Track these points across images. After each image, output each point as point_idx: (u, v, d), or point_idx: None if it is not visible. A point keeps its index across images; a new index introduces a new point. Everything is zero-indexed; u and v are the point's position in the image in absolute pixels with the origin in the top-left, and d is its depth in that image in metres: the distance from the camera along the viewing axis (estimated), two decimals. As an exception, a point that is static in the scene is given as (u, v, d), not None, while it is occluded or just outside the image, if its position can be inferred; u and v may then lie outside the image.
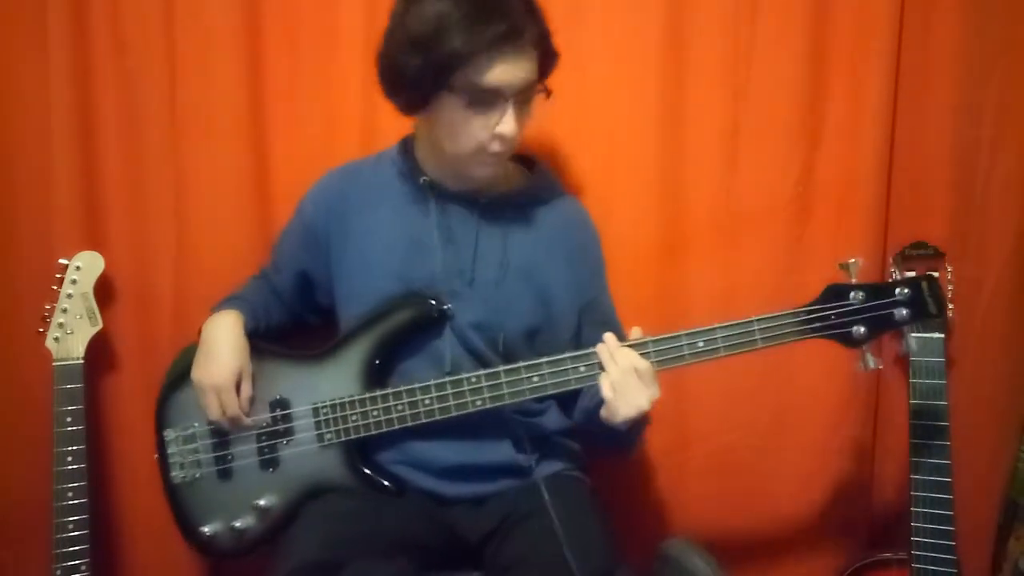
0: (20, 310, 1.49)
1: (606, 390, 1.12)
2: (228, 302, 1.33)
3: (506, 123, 1.15)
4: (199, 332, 1.29)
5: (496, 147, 1.18)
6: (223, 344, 1.25)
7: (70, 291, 1.41)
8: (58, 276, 1.41)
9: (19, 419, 1.52)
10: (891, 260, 1.45)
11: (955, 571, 1.31)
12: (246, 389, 1.27)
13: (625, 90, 1.49)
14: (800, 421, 1.54)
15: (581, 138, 1.51)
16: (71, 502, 1.38)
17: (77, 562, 1.38)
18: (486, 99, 1.13)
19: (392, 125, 1.47)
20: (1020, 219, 1.47)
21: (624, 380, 1.11)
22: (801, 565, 1.59)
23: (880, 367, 1.12)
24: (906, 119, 1.47)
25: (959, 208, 1.47)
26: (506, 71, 1.12)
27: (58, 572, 1.37)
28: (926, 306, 1.09)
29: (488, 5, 1.10)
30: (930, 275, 1.11)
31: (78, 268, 1.42)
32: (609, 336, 1.15)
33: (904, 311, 1.09)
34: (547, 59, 1.19)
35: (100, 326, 1.43)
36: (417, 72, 1.12)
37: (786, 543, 1.58)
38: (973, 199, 1.48)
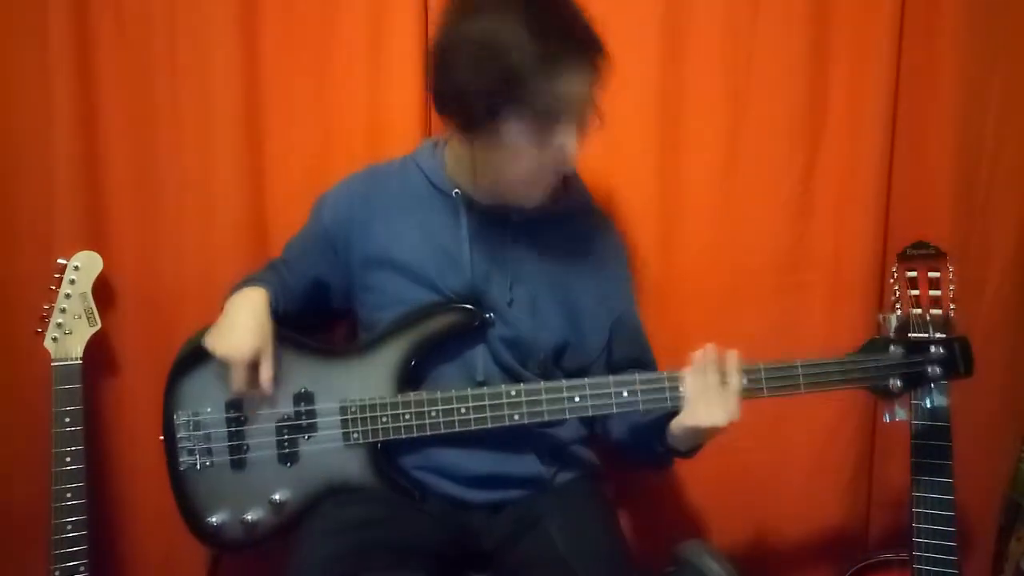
0: (18, 310, 1.49)
1: (690, 389, 1.12)
2: (250, 281, 1.29)
3: (568, 141, 1.12)
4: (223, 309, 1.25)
5: (556, 170, 1.16)
6: (246, 321, 1.20)
7: (68, 291, 1.41)
8: (56, 276, 1.41)
9: (17, 420, 1.51)
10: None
11: (956, 572, 1.30)
12: (267, 370, 1.20)
13: (626, 91, 1.48)
14: (800, 422, 1.54)
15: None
16: (70, 503, 1.37)
17: (76, 563, 1.38)
18: (549, 118, 1.10)
19: (395, 125, 1.48)
20: (1022, 219, 1.47)
21: (709, 387, 1.11)
22: (802, 565, 1.59)
23: (908, 419, 1.17)
24: (907, 118, 1.48)
25: (961, 208, 1.48)
26: (568, 88, 1.09)
27: (57, 573, 1.37)
28: (957, 366, 1.15)
29: (553, 20, 1.07)
30: (964, 337, 1.17)
31: (76, 268, 1.41)
32: (711, 346, 1.13)
33: (938, 369, 1.15)
34: (598, 78, 1.14)
35: (99, 326, 1.43)
36: (481, 91, 1.07)
37: (787, 543, 1.58)
38: (975, 199, 1.48)
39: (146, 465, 1.46)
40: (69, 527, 1.37)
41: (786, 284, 1.53)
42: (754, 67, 1.49)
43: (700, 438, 1.16)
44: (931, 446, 1.32)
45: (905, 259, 1.41)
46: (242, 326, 1.20)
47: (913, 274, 1.39)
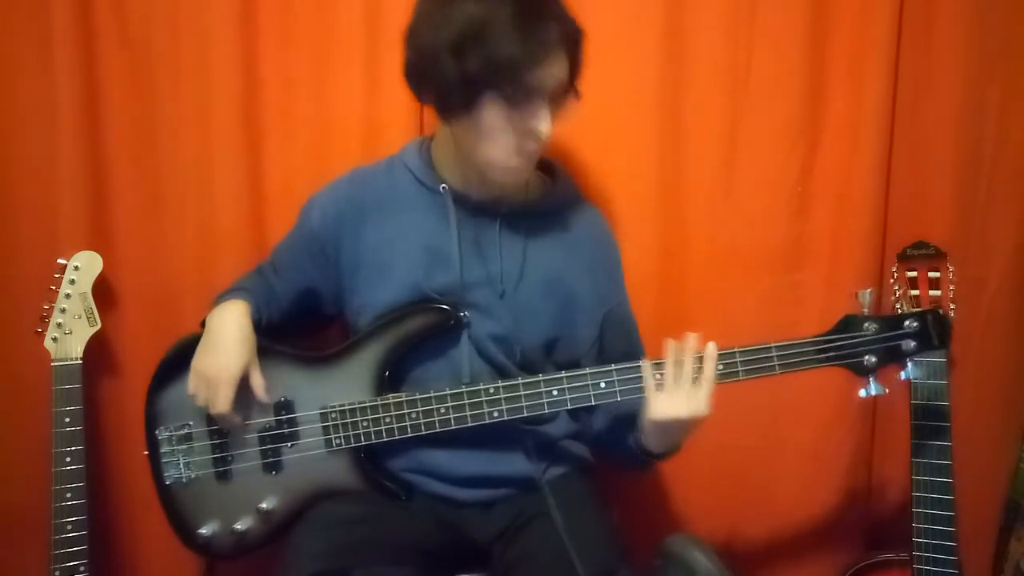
0: (18, 310, 1.48)
1: (650, 380, 1.12)
2: (230, 293, 1.29)
3: (543, 123, 1.12)
4: (202, 323, 1.25)
5: (531, 147, 1.16)
6: (230, 337, 1.20)
7: (68, 291, 1.41)
8: (56, 276, 1.41)
9: (18, 420, 1.51)
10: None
11: (956, 572, 1.30)
12: (257, 380, 1.22)
13: (625, 90, 1.48)
14: (798, 420, 1.54)
15: (580, 139, 1.50)
16: (70, 503, 1.38)
17: (76, 563, 1.38)
18: (526, 100, 1.10)
19: (391, 124, 1.48)
20: (1022, 219, 1.47)
21: (677, 378, 1.11)
22: (802, 565, 1.59)
23: (886, 391, 1.15)
24: (907, 118, 1.47)
25: (961, 208, 1.47)
26: (547, 71, 1.09)
27: (56, 573, 1.37)
28: (930, 338, 1.14)
29: (536, 5, 1.08)
30: (936, 309, 1.16)
31: (76, 268, 1.41)
32: (691, 336, 1.13)
33: (911, 343, 1.14)
34: (578, 62, 1.17)
35: (98, 326, 1.43)
36: (461, 76, 1.07)
37: (786, 543, 1.58)
38: (975, 199, 1.48)
39: (146, 465, 1.46)
40: (69, 527, 1.37)
41: (785, 283, 1.52)
42: (754, 67, 1.49)
43: (671, 435, 1.16)
44: (931, 446, 1.32)
45: (905, 259, 1.41)
46: (227, 344, 1.20)
47: (913, 274, 1.39)
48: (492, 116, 1.11)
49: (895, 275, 1.42)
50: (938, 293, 1.37)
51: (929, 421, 1.33)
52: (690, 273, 1.54)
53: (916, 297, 1.39)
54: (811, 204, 1.51)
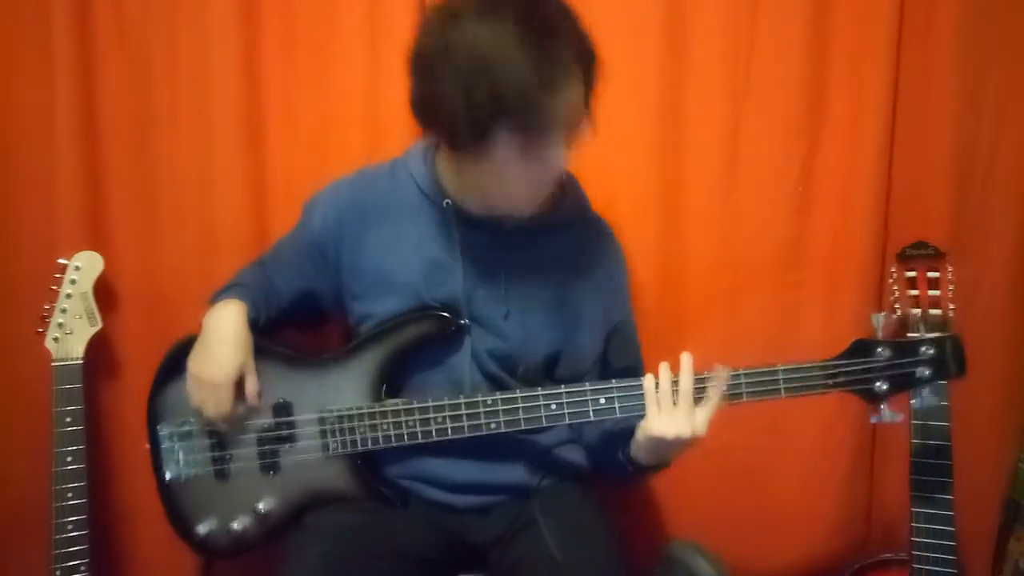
0: (19, 310, 1.49)
1: (649, 394, 1.10)
2: (229, 290, 1.27)
3: (559, 154, 1.06)
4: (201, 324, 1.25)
5: (546, 180, 1.11)
6: (225, 339, 1.19)
7: (69, 291, 1.41)
8: (57, 276, 1.41)
9: (18, 419, 1.51)
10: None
11: (955, 572, 1.30)
12: (252, 384, 1.21)
13: (626, 91, 1.48)
14: (799, 419, 1.54)
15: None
16: (70, 502, 1.38)
17: (76, 562, 1.38)
18: (541, 130, 1.02)
19: (392, 124, 1.48)
20: (1021, 219, 1.47)
21: (678, 396, 1.09)
22: (802, 565, 1.58)
23: (899, 419, 1.12)
24: (906, 118, 1.47)
25: (960, 208, 1.47)
26: (562, 97, 1.01)
27: (57, 572, 1.37)
28: (947, 366, 1.10)
29: (547, 25, 0.99)
30: (955, 335, 1.12)
31: (77, 268, 1.41)
32: (686, 356, 1.11)
33: (926, 371, 1.10)
34: (592, 83, 1.08)
35: (99, 326, 1.43)
36: (470, 110, 0.98)
37: (786, 542, 1.58)
38: (973, 199, 1.48)
39: (146, 465, 1.46)
40: (70, 527, 1.37)
41: (786, 283, 1.53)
42: (754, 66, 1.49)
43: (664, 451, 1.14)
44: (930, 446, 1.32)
45: (905, 259, 1.41)
46: (222, 347, 1.19)
47: (912, 274, 1.39)
48: (504, 150, 1.03)
49: (894, 275, 1.42)
50: (937, 293, 1.36)
51: (929, 421, 1.33)
52: (690, 273, 1.54)
53: (915, 297, 1.39)
54: (812, 204, 1.51)
